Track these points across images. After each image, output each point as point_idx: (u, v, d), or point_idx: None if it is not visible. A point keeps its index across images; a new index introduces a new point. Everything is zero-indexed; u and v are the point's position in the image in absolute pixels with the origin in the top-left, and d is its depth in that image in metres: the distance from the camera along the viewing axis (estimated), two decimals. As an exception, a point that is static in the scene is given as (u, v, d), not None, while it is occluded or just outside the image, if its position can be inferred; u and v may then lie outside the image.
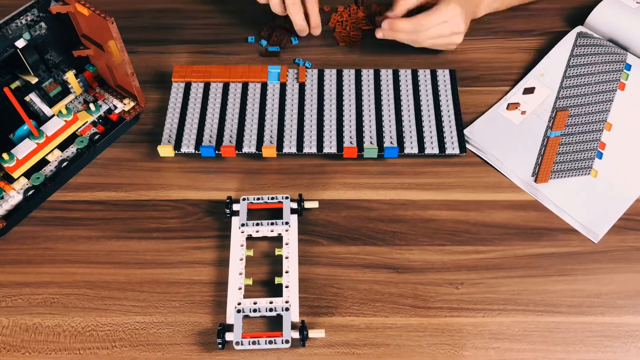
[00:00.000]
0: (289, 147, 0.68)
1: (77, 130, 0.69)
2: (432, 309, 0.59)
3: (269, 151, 0.67)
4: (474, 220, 0.64)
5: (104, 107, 0.71)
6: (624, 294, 0.59)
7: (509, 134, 0.69)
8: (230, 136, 0.69)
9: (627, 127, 0.69)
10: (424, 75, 0.74)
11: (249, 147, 0.68)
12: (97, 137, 0.69)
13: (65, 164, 0.67)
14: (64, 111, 0.67)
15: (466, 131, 0.70)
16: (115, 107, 0.71)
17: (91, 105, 0.69)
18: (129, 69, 0.65)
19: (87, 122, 0.69)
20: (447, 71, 0.74)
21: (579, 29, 0.76)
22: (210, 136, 0.69)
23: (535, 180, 0.66)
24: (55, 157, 0.67)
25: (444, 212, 0.65)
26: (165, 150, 0.68)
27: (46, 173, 0.66)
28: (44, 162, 0.66)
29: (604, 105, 0.69)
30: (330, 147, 0.68)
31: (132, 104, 0.71)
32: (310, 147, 0.68)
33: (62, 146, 0.68)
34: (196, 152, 0.68)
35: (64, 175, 0.67)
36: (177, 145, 0.68)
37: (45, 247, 0.63)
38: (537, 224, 0.64)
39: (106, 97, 0.71)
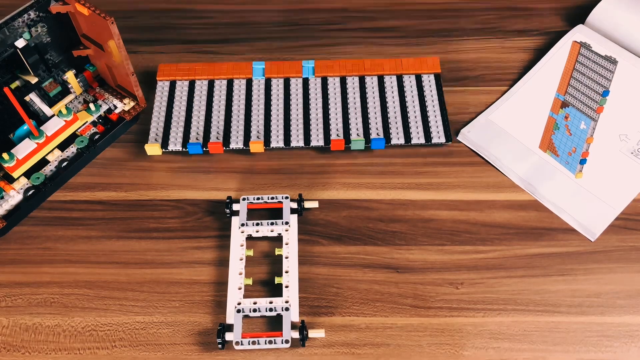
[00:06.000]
0: (277, 141, 0.68)
1: (77, 130, 0.69)
2: (432, 309, 0.59)
3: (257, 146, 0.68)
4: (474, 220, 0.64)
5: (104, 107, 0.71)
6: (624, 294, 0.59)
7: (507, 133, 0.70)
8: (218, 132, 0.69)
9: (611, 138, 0.69)
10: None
11: (236, 143, 0.68)
12: (97, 137, 0.69)
13: (65, 163, 0.67)
14: (64, 111, 0.67)
15: (464, 130, 0.70)
16: (115, 107, 0.71)
17: (91, 105, 0.69)
18: (129, 69, 0.65)
19: (87, 122, 0.69)
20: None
21: (579, 27, 0.76)
22: (197, 133, 0.69)
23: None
24: (55, 157, 0.67)
25: (444, 212, 0.65)
26: (153, 148, 0.68)
27: (46, 173, 0.66)
28: (44, 162, 0.66)
29: (592, 114, 0.70)
30: (317, 140, 0.68)
31: (132, 103, 0.71)
32: (297, 140, 0.68)
33: (62, 146, 0.68)
34: (184, 149, 0.68)
35: (64, 175, 0.67)
36: (165, 144, 0.68)
37: (45, 247, 0.63)
38: (537, 224, 0.64)
39: (106, 97, 0.71)
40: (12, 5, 0.62)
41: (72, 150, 0.68)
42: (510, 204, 0.65)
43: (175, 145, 0.68)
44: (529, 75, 0.74)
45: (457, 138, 0.70)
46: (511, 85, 0.74)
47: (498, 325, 0.58)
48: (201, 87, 0.73)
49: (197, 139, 0.69)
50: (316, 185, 0.67)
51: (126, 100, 0.71)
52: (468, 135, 0.70)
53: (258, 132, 0.69)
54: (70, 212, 0.66)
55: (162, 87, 0.73)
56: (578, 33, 0.76)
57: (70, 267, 0.62)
